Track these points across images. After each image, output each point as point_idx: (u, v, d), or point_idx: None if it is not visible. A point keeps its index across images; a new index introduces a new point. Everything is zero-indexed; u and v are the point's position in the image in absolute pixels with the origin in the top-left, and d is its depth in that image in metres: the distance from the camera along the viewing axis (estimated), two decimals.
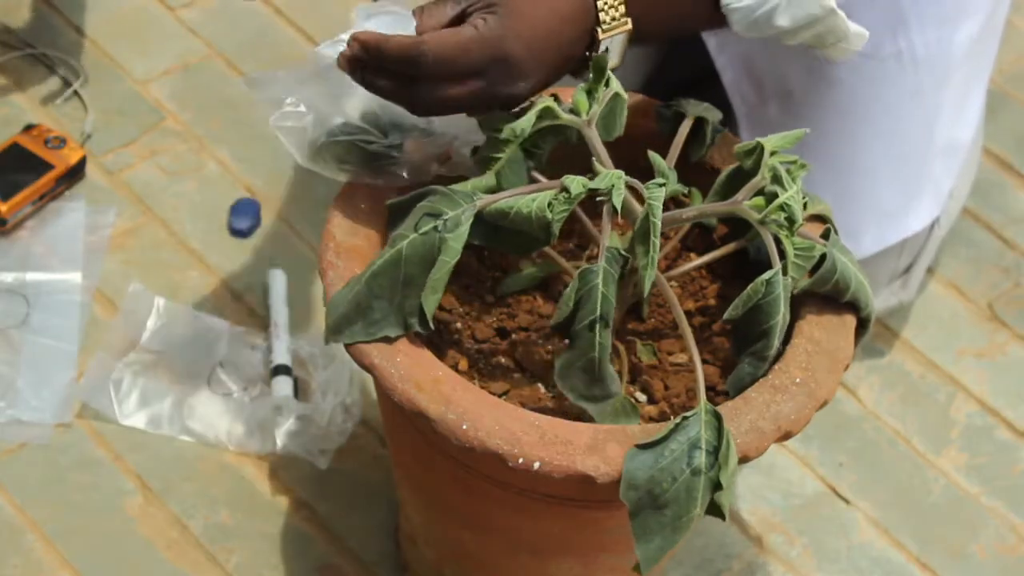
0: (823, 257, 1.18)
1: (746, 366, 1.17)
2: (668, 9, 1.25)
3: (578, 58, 1.21)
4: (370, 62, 1.15)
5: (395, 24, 1.18)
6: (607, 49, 1.21)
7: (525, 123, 1.19)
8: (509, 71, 1.17)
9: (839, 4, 1.23)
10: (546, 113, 1.19)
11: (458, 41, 1.15)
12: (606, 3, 1.20)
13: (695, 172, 1.30)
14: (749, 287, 1.15)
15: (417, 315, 1.15)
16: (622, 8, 1.21)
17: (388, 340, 1.15)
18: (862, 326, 1.23)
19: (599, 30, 1.20)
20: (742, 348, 1.18)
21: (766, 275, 1.15)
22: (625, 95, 1.22)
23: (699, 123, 1.30)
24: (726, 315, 1.16)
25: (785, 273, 1.16)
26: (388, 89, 1.17)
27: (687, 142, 1.28)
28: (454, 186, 1.17)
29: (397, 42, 1.15)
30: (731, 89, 1.56)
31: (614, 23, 1.21)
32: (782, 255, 1.17)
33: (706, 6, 1.24)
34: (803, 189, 1.24)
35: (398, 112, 1.22)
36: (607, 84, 1.20)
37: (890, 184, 1.55)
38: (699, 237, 1.32)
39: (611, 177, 1.15)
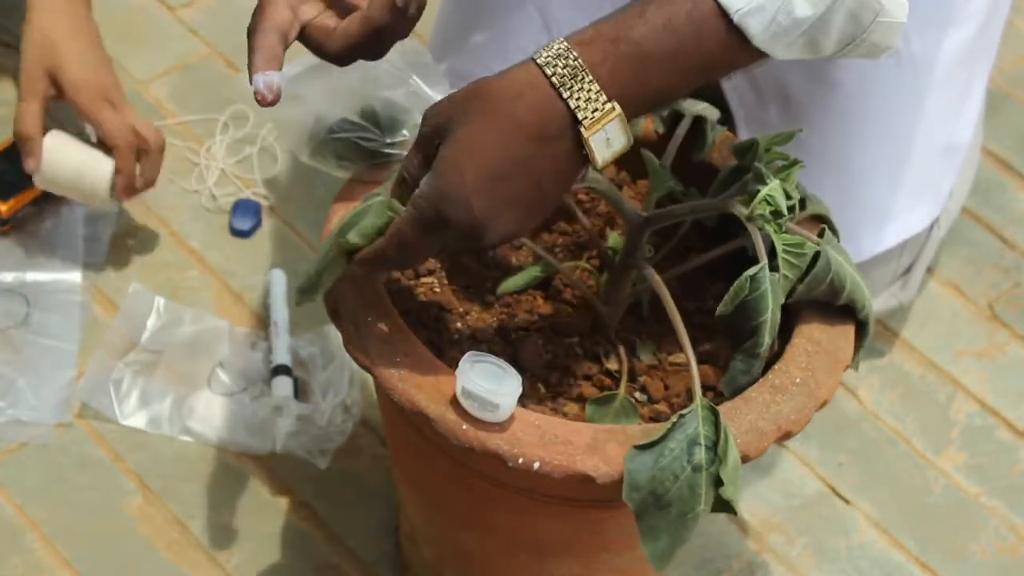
0: (816, 255, 1.17)
1: (738, 363, 1.17)
2: (668, 63, 1.06)
3: (574, 168, 1.08)
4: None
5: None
6: (607, 138, 1.07)
7: None
8: (464, 234, 1.07)
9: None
10: None
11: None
12: (579, 99, 1.05)
13: (697, 172, 1.29)
14: (735, 283, 1.14)
15: None
16: (602, 97, 1.05)
17: None
18: (861, 329, 1.22)
19: (582, 129, 1.05)
20: (734, 345, 1.17)
21: (751, 270, 1.13)
22: None
23: (699, 123, 1.29)
24: (717, 311, 1.15)
25: (774, 269, 1.15)
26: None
27: (688, 142, 1.28)
28: None
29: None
30: (729, 92, 1.55)
31: (596, 114, 1.05)
32: (772, 252, 1.16)
33: (716, 33, 1.06)
34: (803, 190, 1.24)
35: (396, 110, 1.21)
36: None
37: (889, 185, 1.55)
38: (699, 237, 1.32)
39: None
